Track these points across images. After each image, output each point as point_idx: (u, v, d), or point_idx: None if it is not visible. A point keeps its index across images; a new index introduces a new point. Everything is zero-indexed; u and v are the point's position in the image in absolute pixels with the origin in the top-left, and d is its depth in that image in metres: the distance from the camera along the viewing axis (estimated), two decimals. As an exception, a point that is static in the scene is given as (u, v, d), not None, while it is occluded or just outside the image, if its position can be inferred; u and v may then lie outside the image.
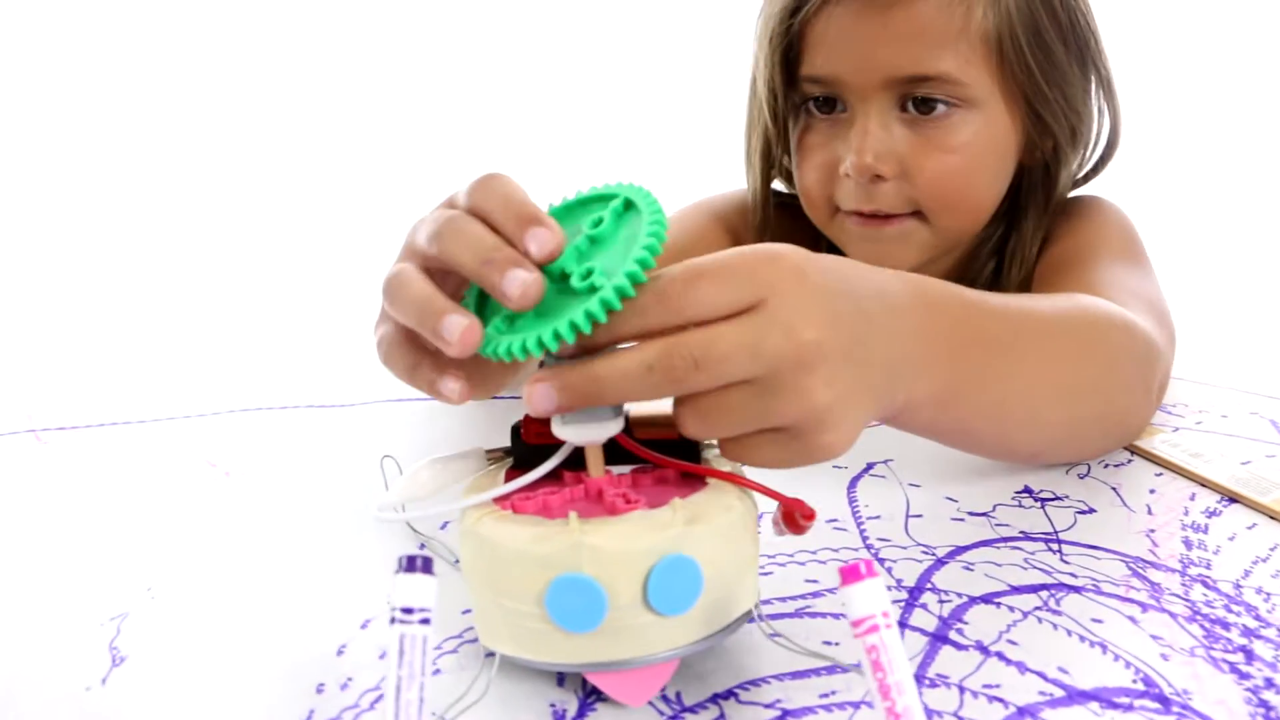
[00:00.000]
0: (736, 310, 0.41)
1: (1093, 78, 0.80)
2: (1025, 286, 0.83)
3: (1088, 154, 0.83)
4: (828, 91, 0.77)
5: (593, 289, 0.40)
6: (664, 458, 0.46)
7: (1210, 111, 1.88)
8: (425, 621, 0.37)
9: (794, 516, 0.46)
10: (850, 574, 0.38)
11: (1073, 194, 0.86)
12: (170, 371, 0.82)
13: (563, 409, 0.41)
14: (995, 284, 0.86)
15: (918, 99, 0.75)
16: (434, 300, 0.42)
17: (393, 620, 0.37)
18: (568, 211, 0.46)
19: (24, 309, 1.07)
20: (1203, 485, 0.63)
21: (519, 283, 0.41)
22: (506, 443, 0.50)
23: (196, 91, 2.26)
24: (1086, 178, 0.86)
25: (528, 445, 0.48)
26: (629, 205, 0.44)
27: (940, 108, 0.75)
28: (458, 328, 0.41)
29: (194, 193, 1.98)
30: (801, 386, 0.41)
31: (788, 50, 0.78)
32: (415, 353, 0.46)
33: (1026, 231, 0.83)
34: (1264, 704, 0.44)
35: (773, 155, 0.85)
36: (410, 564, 0.37)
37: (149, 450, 0.69)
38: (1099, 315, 0.62)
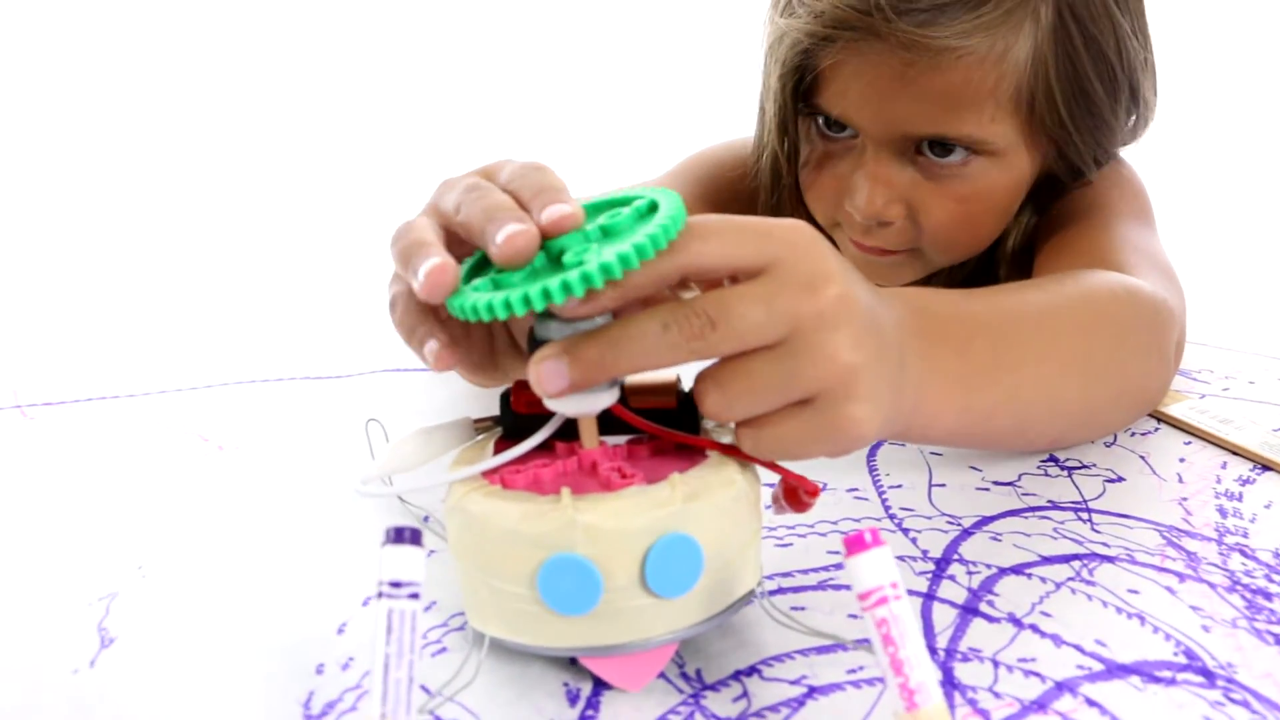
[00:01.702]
0: (749, 268, 0.39)
1: (1134, 109, 0.75)
2: (1024, 253, 0.79)
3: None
4: (839, 117, 0.72)
5: (580, 264, 0.38)
6: (661, 428, 0.43)
7: (1239, 72, 1.85)
8: (414, 596, 0.35)
9: (797, 493, 0.44)
10: (855, 543, 0.36)
11: None
12: (160, 343, 0.80)
13: (577, 386, 0.38)
14: (989, 255, 0.82)
15: (935, 143, 0.70)
16: (423, 244, 0.40)
17: (380, 595, 0.35)
18: (595, 208, 0.43)
19: (7, 281, 1.04)
20: (1234, 453, 0.61)
21: (506, 232, 0.38)
22: (496, 412, 0.47)
23: (182, 68, 2.24)
24: None
25: (517, 415, 0.45)
26: (653, 207, 0.41)
27: (958, 153, 0.70)
28: (426, 264, 0.39)
29: (179, 164, 1.95)
30: (826, 344, 0.39)
31: (800, 80, 0.73)
32: (418, 314, 0.43)
33: (1024, 222, 0.79)
34: (1313, 677, 0.42)
35: (781, 174, 0.79)
36: (398, 535, 0.35)
37: (139, 425, 0.67)
38: (1101, 289, 0.59)
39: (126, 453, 0.63)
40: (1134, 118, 0.76)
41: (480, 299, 0.38)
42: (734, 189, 0.88)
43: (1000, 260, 0.80)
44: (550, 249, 0.39)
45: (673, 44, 2.21)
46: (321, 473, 0.61)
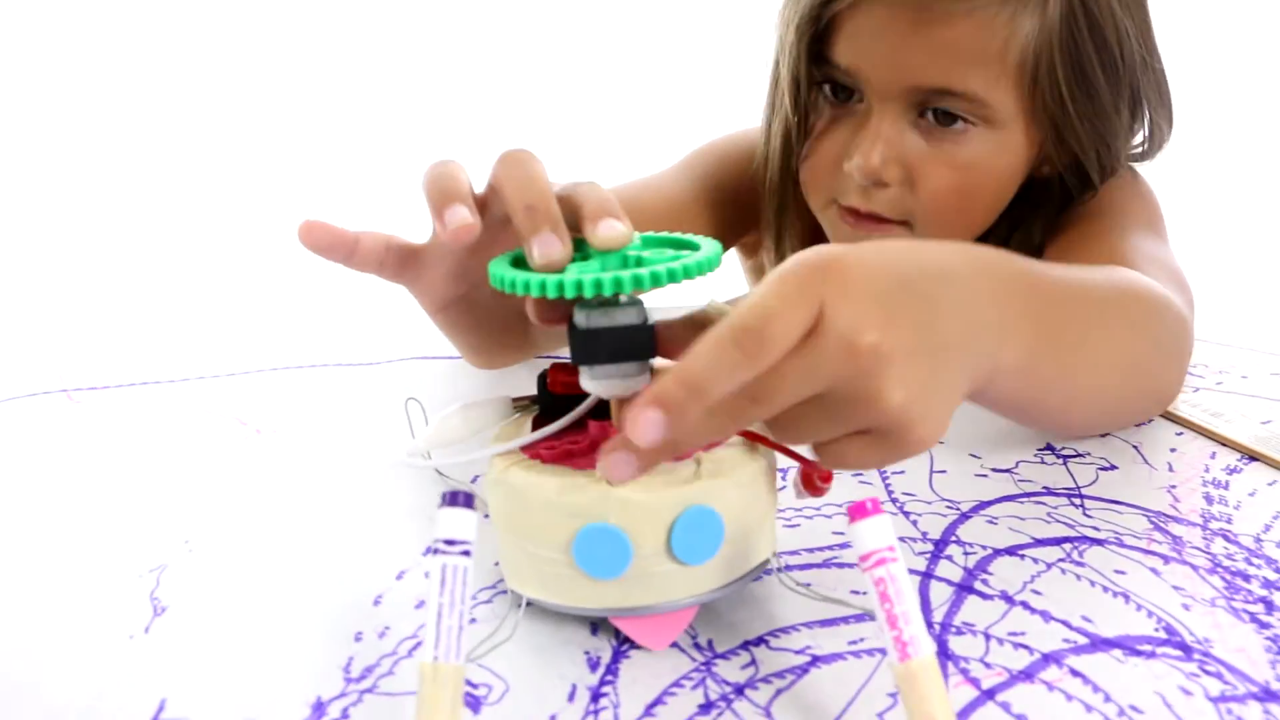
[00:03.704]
0: (801, 335, 0.39)
1: (1138, 112, 0.78)
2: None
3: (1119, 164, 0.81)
4: (848, 81, 0.76)
5: (618, 268, 0.43)
6: None
7: (1226, 73, 1.87)
8: (466, 553, 0.39)
9: (812, 479, 0.48)
10: (858, 511, 0.39)
11: None
12: (198, 331, 0.83)
13: (643, 471, 0.40)
14: None
15: (938, 110, 0.73)
16: (458, 189, 0.47)
17: (435, 551, 0.39)
18: (645, 241, 0.49)
19: (54, 269, 1.07)
20: (1223, 444, 0.63)
21: (541, 242, 0.44)
22: (531, 392, 0.52)
23: (210, 57, 2.27)
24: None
25: (553, 395, 0.49)
26: (694, 247, 0.46)
27: (959, 123, 0.73)
28: (458, 218, 0.46)
29: (224, 155, 1.99)
30: (871, 393, 0.40)
31: (815, 37, 0.75)
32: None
33: (1034, 233, 0.81)
34: (1285, 652, 0.45)
35: (792, 143, 0.81)
36: (453, 498, 0.39)
37: (179, 409, 0.70)
38: (1143, 292, 0.61)
39: (169, 436, 0.67)
40: (1138, 124, 0.78)
41: (506, 273, 0.44)
42: (740, 182, 0.90)
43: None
44: (587, 253, 0.45)
45: (672, 41, 2.23)
46: (355, 454, 0.64)
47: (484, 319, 0.59)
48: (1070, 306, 0.53)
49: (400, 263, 0.54)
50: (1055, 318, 0.52)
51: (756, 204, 0.90)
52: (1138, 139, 0.81)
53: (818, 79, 0.78)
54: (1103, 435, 0.65)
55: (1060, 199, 0.81)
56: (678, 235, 0.48)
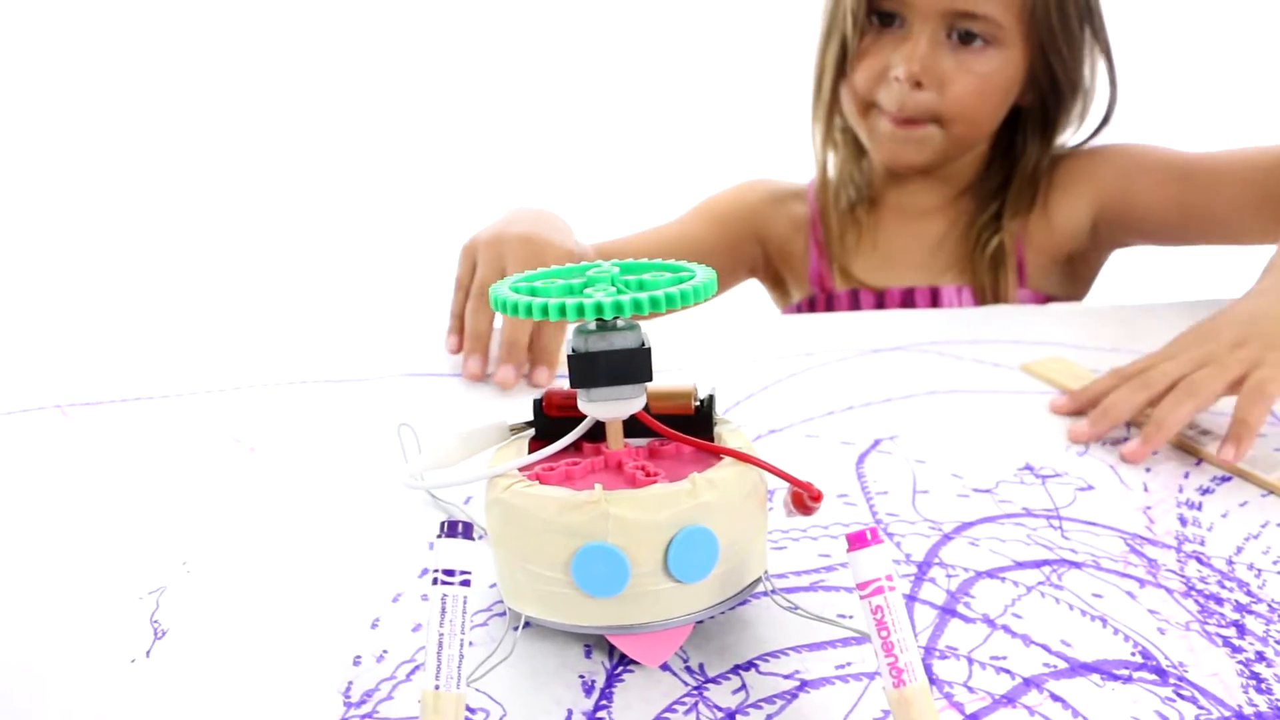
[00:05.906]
0: None
1: (1097, 49, 1.01)
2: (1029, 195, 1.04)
3: (1085, 113, 1.04)
4: (894, 8, 0.96)
5: (618, 294, 0.44)
6: (679, 435, 0.49)
7: (1193, 78, 1.90)
8: (466, 583, 0.40)
9: (802, 499, 0.49)
10: (857, 540, 0.41)
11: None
12: (191, 346, 0.83)
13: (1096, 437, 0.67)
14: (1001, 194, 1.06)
15: (962, 32, 0.95)
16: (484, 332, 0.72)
17: (435, 581, 0.40)
18: (639, 267, 0.50)
19: (47, 284, 1.07)
20: (1210, 463, 0.65)
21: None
22: (527, 416, 0.53)
23: (222, 70, 2.26)
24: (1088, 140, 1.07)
25: (549, 418, 0.51)
26: (691, 276, 0.47)
27: (977, 42, 0.96)
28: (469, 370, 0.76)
29: (216, 170, 1.98)
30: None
31: None
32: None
33: (1030, 158, 1.04)
34: (1255, 676, 0.47)
35: (846, 63, 1.01)
36: (452, 529, 0.40)
37: (173, 426, 0.71)
38: None
39: (163, 452, 0.67)
40: (1097, 66, 1.02)
41: (508, 299, 0.45)
42: (744, 226, 1.12)
43: (1022, 180, 1.05)
44: (589, 279, 0.47)
45: (677, 48, 2.24)
46: (348, 473, 0.65)
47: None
48: None
49: None
50: None
51: (766, 246, 1.13)
52: (1091, 86, 1.02)
53: (869, 9, 0.98)
54: (1080, 455, 0.66)
55: (1044, 127, 1.04)
56: (671, 261, 0.50)
